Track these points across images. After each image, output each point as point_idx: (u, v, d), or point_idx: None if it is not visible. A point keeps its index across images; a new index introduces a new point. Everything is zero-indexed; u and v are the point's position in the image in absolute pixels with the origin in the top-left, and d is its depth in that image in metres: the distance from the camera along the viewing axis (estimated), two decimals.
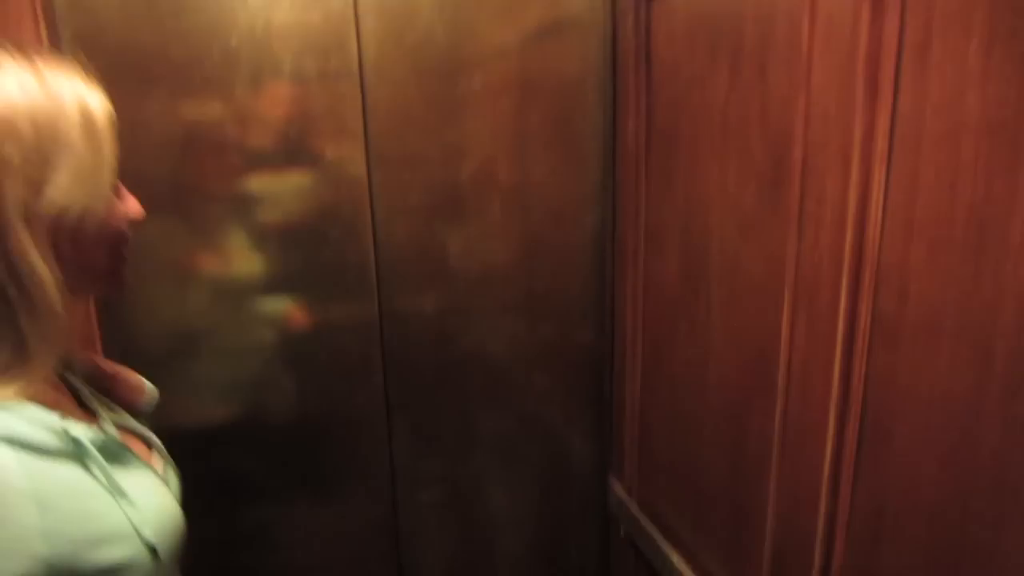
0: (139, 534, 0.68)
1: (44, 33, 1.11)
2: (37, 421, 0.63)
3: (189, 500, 1.36)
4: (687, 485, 1.28)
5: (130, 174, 1.19)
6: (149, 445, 0.84)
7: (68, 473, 0.65)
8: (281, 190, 1.30)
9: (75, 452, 0.66)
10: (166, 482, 0.82)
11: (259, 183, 1.29)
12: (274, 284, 1.33)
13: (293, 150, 1.29)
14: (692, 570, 1.27)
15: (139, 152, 1.22)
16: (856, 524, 0.89)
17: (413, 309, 1.42)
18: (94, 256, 0.70)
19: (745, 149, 1.07)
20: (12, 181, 0.61)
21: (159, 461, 0.84)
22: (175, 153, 1.24)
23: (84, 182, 0.66)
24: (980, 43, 0.71)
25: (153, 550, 0.69)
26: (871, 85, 0.83)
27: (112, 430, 0.77)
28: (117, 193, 0.74)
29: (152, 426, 0.89)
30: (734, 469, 1.14)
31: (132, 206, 0.76)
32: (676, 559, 1.29)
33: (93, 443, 0.68)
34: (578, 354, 1.54)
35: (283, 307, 1.36)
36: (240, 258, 1.31)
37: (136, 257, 1.23)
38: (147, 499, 0.72)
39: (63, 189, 0.64)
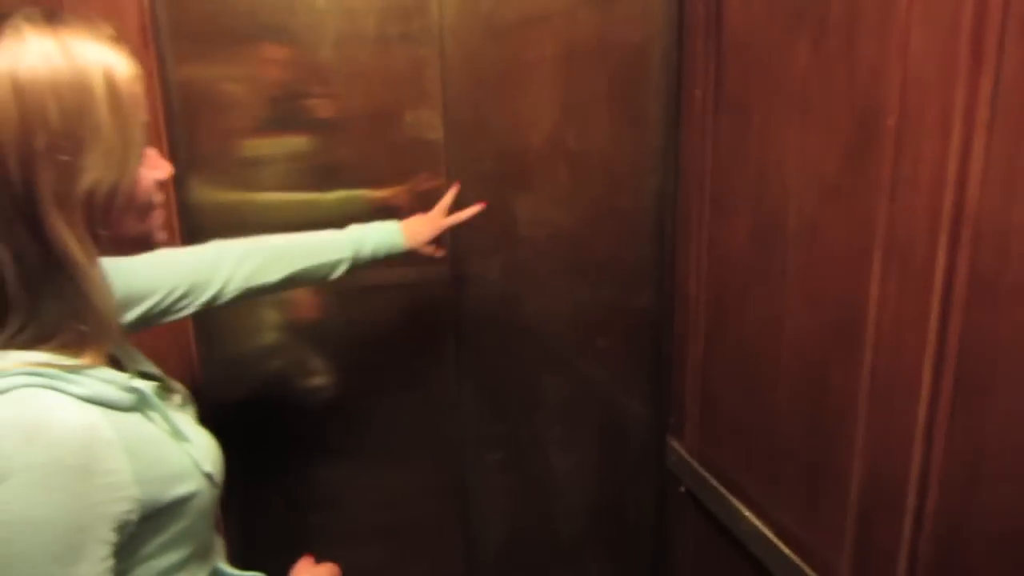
0: (199, 468, 0.76)
1: None
2: (112, 381, 0.70)
3: (262, 461, 1.42)
4: (757, 441, 1.34)
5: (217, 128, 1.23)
6: (176, 393, 0.89)
7: (139, 424, 0.72)
8: (362, 155, 1.32)
9: (140, 404, 0.73)
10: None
11: (338, 138, 1.31)
12: None
13: (375, 113, 1.31)
14: (762, 522, 1.33)
15: (225, 107, 1.25)
16: (952, 468, 0.95)
17: (482, 273, 1.46)
18: (126, 224, 0.71)
19: (828, 117, 1.10)
20: (44, 170, 0.62)
21: (189, 407, 0.90)
22: (254, 116, 1.26)
23: (113, 160, 0.66)
24: None
25: (210, 478, 0.78)
26: (975, 51, 0.87)
27: (162, 384, 0.83)
28: (145, 159, 0.72)
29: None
30: (812, 424, 1.20)
31: (160, 167, 0.75)
32: (746, 511, 1.36)
33: (153, 393, 0.75)
34: (637, 317, 1.59)
35: (357, 274, 1.39)
36: (317, 218, 1.33)
37: (214, 223, 1.28)
38: (196, 436, 0.80)
39: (93, 170, 0.65)
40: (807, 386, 1.20)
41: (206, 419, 1.28)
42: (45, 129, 0.62)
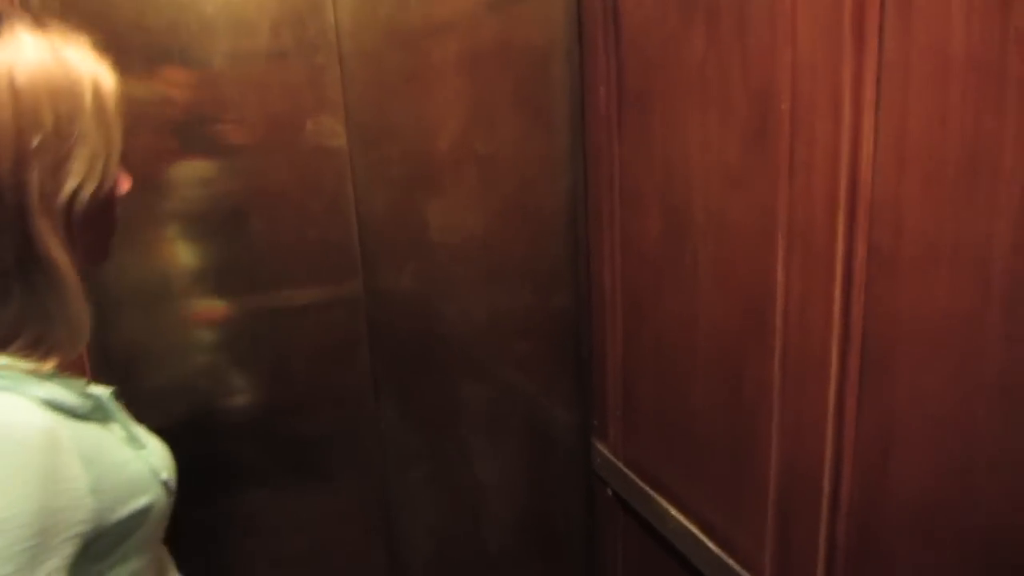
0: (157, 476, 0.75)
1: None
2: (71, 387, 0.69)
3: (181, 487, 1.33)
4: (679, 439, 1.33)
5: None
6: None
7: (96, 431, 0.70)
8: (263, 164, 1.26)
9: (96, 412, 0.71)
10: None
11: (240, 157, 1.25)
12: (258, 261, 1.30)
13: (273, 122, 1.25)
14: (688, 519, 1.32)
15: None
16: (863, 447, 0.95)
17: (395, 282, 1.41)
18: (95, 233, 0.72)
19: (727, 105, 1.11)
20: (34, 170, 0.63)
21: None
22: (150, 126, 1.19)
23: (96, 166, 0.67)
24: None
25: (166, 486, 0.76)
26: (857, 33, 0.88)
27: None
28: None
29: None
30: (729, 415, 1.19)
31: (125, 179, 0.77)
32: (673, 510, 1.34)
33: (108, 399, 0.75)
34: (555, 319, 1.56)
35: (267, 285, 1.32)
36: (221, 235, 1.27)
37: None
38: (152, 443, 0.79)
39: (78, 175, 0.66)
40: (723, 378, 1.20)
41: None
42: (39, 129, 0.62)
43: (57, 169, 0.64)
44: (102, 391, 0.74)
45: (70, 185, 0.65)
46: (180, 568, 1.32)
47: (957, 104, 0.79)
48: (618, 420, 1.52)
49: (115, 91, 0.71)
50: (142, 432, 0.79)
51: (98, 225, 0.72)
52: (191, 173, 1.24)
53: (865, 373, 0.94)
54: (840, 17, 0.89)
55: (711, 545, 1.24)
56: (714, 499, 1.26)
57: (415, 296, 1.43)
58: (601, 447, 1.58)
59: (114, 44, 1.09)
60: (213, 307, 1.29)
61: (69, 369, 1.13)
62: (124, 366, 1.26)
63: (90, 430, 0.69)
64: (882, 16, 0.86)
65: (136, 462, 0.72)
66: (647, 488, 1.42)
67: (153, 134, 1.19)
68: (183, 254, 1.26)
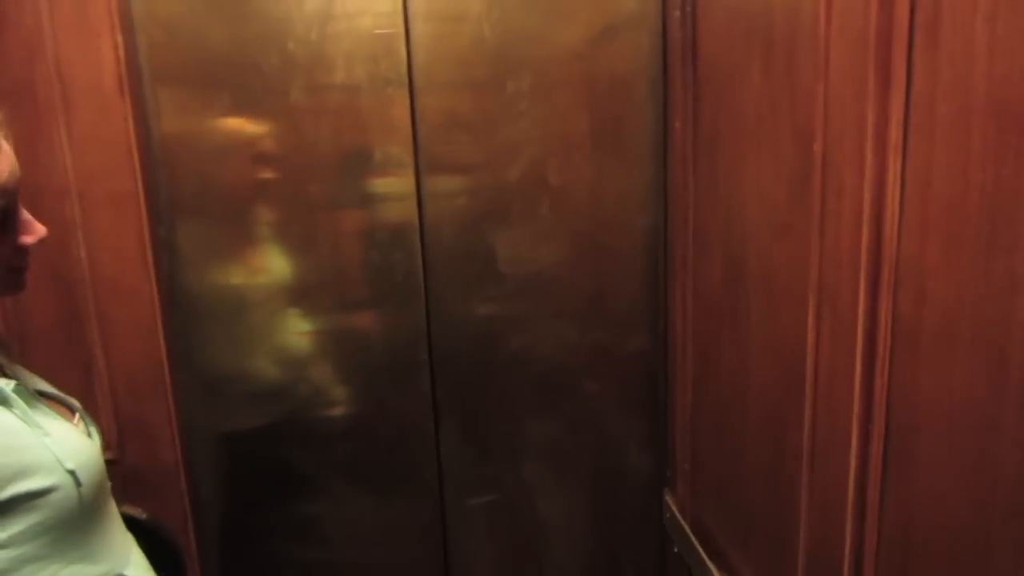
0: (61, 464, 0.80)
1: (120, 39, 1.23)
2: None
3: (247, 490, 1.46)
4: (734, 502, 1.22)
5: (199, 174, 1.32)
6: (72, 410, 0.94)
7: None
8: (332, 194, 1.36)
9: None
10: (88, 435, 0.92)
11: (312, 188, 1.36)
12: (325, 287, 1.40)
13: (344, 154, 1.35)
14: None
15: (206, 154, 1.33)
16: (885, 546, 0.81)
17: (460, 311, 1.44)
18: None
19: (777, 145, 1.00)
20: None
21: (80, 422, 0.93)
22: (232, 156, 1.33)
23: None
24: (986, 11, 0.64)
25: (73, 476, 0.80)
26: (883, 69, 0.76)
27: (27, 387, 0.87)
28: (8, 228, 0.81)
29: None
30: (772, 485, 1.07)
31: (30, 232, 0.83)
32: None
33: (12, 390, 0.81)
34: (631, 361, 1.50)
35: (333, 310, 1.42)
36: (292, 262, 1.38)
37: (197, 260, 1.36)
38: (66, 437, 0.84)
39: None
40: (768, 441, 1.08)
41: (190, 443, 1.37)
42: None
43: None
44: (5, 383, 0.80)
45: None
46: (236, 564, 1.44)
47: (978, 153, 0.66)
48: (686, 474, 1.41)
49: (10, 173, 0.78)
50: (55, 424, 0.84)
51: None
52: (269, 197, 1.36)
53: (889, 461, 0.80)
54: (866, 47, 0.78)
55: None
56: (759, 572, 1.13)
57: (482, 325, 1.45)
58: (670, 500, 1.48)
59: (207, 81, 1.28)
60: (286, 324, 1.41)
61: (137, 371, 1.30)
62: (203, 375, 1.40)
63: None
64: (910, 48, 0.74)
65: (37, 447, 0.79)
66: (701, 550, 1.31)
67: (237, 164, 1.33)
68: (257, 276, 1.38)
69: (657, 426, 1.52)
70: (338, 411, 1.45)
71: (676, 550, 1.46)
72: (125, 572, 0.91)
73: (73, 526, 0.84)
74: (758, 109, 1.05)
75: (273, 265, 1.38)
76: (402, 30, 1.32)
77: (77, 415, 0.93)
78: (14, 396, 0.81)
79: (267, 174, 1.35)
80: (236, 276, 1.39)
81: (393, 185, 1.38)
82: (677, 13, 1.28)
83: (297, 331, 1.42)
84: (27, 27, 1.20)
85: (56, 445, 0.81)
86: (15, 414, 0.80)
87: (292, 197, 1.37)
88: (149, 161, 1.30)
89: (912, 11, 0.73)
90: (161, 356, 1.33)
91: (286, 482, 1.46)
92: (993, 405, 0.65)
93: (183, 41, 1.28)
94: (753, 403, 1.12)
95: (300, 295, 1.40)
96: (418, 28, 1.33)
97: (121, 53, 1.22)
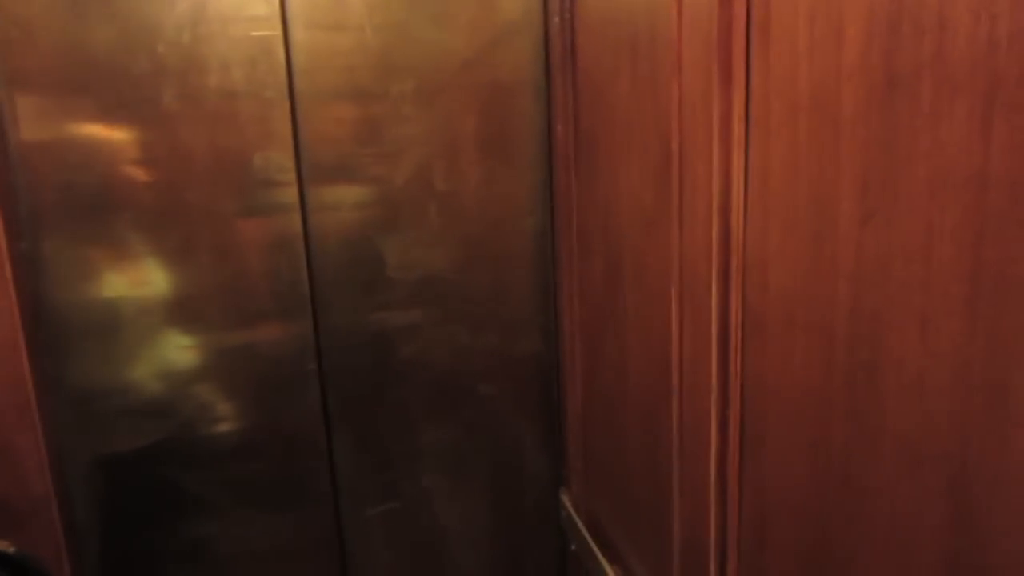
0: None
1: None
2: None
3: (128, 514, 1.39)
4: (622, 496, 1.24)
5: (63, 184, 1.25)
6: None
7: None
8: (210, 203, 1.32)
9: None
10: None
11: (187, 196, 1.31)
12: (207, 300, 1.35)
13: (221, 161, 1.31)
14: None
15: (71, 162, 1.27)
16: (747, 525, 0.84)
17: (350, 319, 1.41)
18: None
19: (644, 145, 1.03)
20: None
21: None
22: (100, 165, 1.27)
23: None
24: (807, 12, 0.67)
25: None
26: (725, 67, 0.79)
27: None
28: None
29: None
30: (652, 477, 1.09)
31: None
32: (610, 572, 1.24)
33: None
34: (525, 363, 1.51)
35: (216, 324, 1.37)
36: (171, 273, 1.33)
37: (66, 275, 1.29)
38: None
39: None
40: (646, 434, 1.10)
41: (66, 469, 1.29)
42: None
43: None
44: None
45: None
46: None
47: (804, 146, 0.69)
48: (579, 472, 1.43)
49: None
50: None
51: None
52: (140, 207, 1.31)
53: (745, 442, 0.83)
54: (710, 44, 0.81)
55: None
56: (645, 562, 1.15)
57: (372, 333, 1.43)
58: (565, 499, 1.50)
59: (70, 83, 1.23)
60: (163, 338, 1.35)
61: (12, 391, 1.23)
62: (76, 394, 1.33)
63: None
64: (748, 44, 0.77)
65: None
66: (593, 545, 1.33)
67: (104, 172, 1.28)
68: (133, 289, 1.33)
69: (552, 427, 1.53)
70: (225, 427, 1.40)
71: (573, 547, 1.47)
72: None
73: None
74: (628, 112, 1.08)
75: (150, 278, 1.33)
76: (280, 33, 1.30)
77: None
78: None
79: (139, 184, 1.29)
80: (110, 290, 1.33)
81: (276, 193, 1.34)
82: (556, 19, 1.31)
83: (178, 346, 1.37)
84: None
85: None
86: None
87: (168, 208, 1.31)
88: (5, 171, 1.23)
89: (748, 10, 0.76)
90: (25, 377, 1.25)
91: (171, 505, 1.39)
92: (824, 383, 0.69)
93: (42, 41, 1.22)
94: (632, 397, 1.14)
95: (180, 308, 1.35)
96: (298, 29, 1.31)
97: None
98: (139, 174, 1.30)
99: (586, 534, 1.37)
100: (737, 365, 0.83)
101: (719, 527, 0.88)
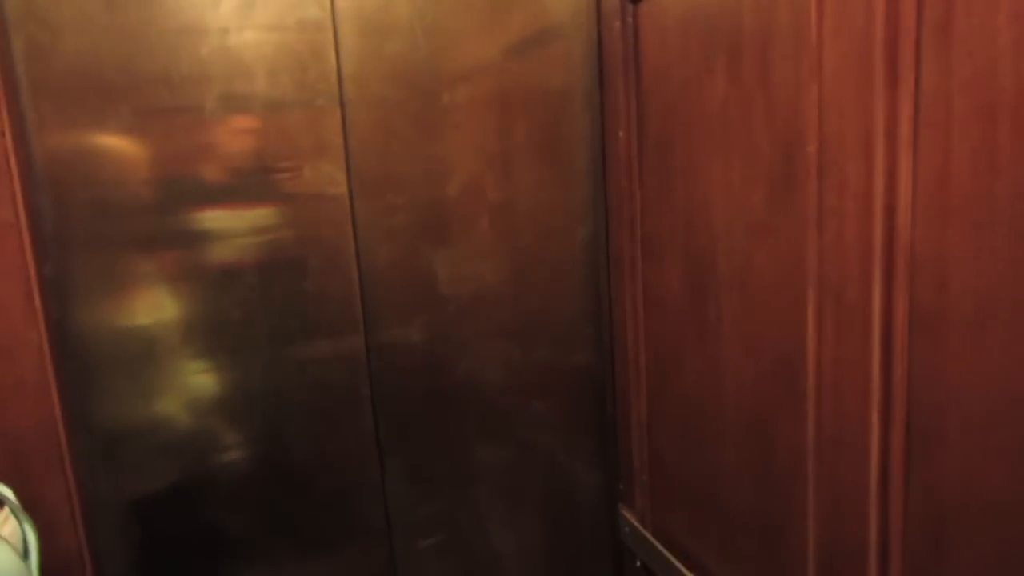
0: None
1: None
2: None
3: (167, 564, 1.26)
4: (709, 509, 1.21)
5: (92, 201, 1.12)
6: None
7: None
8: (258, 215, 1.21)
9: None
10: (23, 537, 0.76)
11: (234, 210, 1.20)
12: (250, 324, 1.24)
13: (267, 171, 1.21)
14: None
15: (101, 177, 1.14)
16: (913, 533, 0.83)
17: (401, 338, 1.34)
18: None
19: (750, 148, 1.02)
20: None
21: (9, 518, 0.76)
22: (132, 179, 1.15)
23: None
24: (1008, 9, 0.68)
25: None
26: (890, 68, 0.79)
27: None
28: None
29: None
30: (762, 487, 1.07)
31: None
32: None
33: None
34: (577, 376, 1.47)
35: (261, 349, 1.26)
36: (210, 297, 1.22)
37: (93, 300, 1.16)
38: None
39: None
40: (753, 443, 1.08)
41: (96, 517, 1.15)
42: None
43: None
44: None
45: None
46: None
47: (1006, 144, 0.69)
48: (644, 486, 1.40)
49: None
50: None
51: None
52: (180, 225, 1.19)
53: (913, 447, 0.82)
54: (871, 48, 0.81)
55: None
56: (747, 574, 1.13)
57: (424, 352, 1.36)
58: (628, 515, 1.46)
59: (100, 90, 1.10)
60: (203, 367, 1.23)
61: (25, 437, 1.08)
62: (104, 433, 1.20)
63: None
64: (918, 48, 0.77)
65: None
66: (675, 561, 1.30)
67: (141, 187, 1.16)
68: (171, 311, 1.21)
69: (606, 441, 1.49)
70: (270, 462, 1.29)
71: (638, 564, 1.44)
72: None
73: None
74: (724, 115, 1.07)
75: (187, 302, 1.21)
76: (331, 37, 1.22)
77: (5, 509, 0.74)
78: None
79: (175, 198, 1.18)
80: (142, 317, 1.20)
81: (327, 207, 1.25)
82: (617, 24, 1.28)
83: (217, 378, 1.25)
84: None
85: None
86: None
87: (208, 223, 1.20)
88: (30, 187, 1.09)
89: (919, 12, 0.76)
90: (55, 418, 1.12)
91: (213, 549, 1.27)
92: None
93: (71, 44, 1.09)
94: (730, 404, 1.13)
95: (220, 335, 1.23)
96: (347, 33, 1.23)
97: None
98: (175, 188, 1.18)
99: (661, 548, 1.34)
100: (903, 366, 0.82)
101: (880, 528, 0.87)
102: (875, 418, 0.85)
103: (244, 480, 1.27)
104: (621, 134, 1.32)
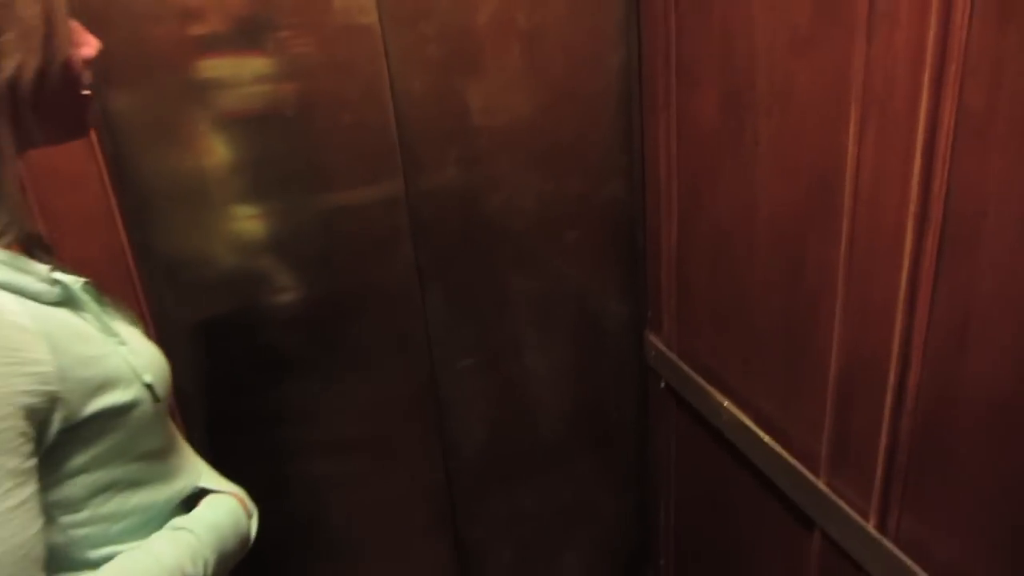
0: (139, 376, 0.69)
1: None
2: (29, 271, 0.63)
3: (230, 378, 1.35)
4: (735, 329, 1.27)
5: (133, 40, 1.11)
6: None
7: (66, 317, 0.65)
8: (294, 54, 1.20)
9: (66, 299, 0.66)
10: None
11: (269, 47, 1.19)
12: (298, 153, 1.25)
13: (299, 3, 1.18)
14: (742, 411, 1.27)
15: (141, 10, 1.12)
16: (936, 337, 0.87)
17: (436, 170, 1.35)
18: (56, 110, 0.67)
19: None
20: None
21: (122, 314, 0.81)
22: (178, 19, 1.13)
23: (33, 44, 0.62)
24: None
25: (151, 390, 0.71)
26: None
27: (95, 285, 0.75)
28: (73, 40, 0.67)
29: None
30: (789, 302, 1.11)
31: (87, 45, 0.69)
32: (726, 402, 1.29)
33: (80, 289, 0.68)
34: (607, 207, 1.49)
35: (304, 183, 1.29)
36: (259, 132, 1.22)
37: (147, 138, 1.17)
38: (138, 343, 0.73)
39: (13, 57, 0.61)
40: (784, 265, 1.11)
41: (166, 336, 1.22)
42: None
43: None
44: (72, 280, 0.67)
45: (8, 66, 0.61)
46: (230, 455, 1.35)
47: None
48: (672, 312, 1.45)
49: None
50: (124, 329, 0.73)
51: (63, 101, 0.67)
52: (216, 64, 1.18)
53: (944, 253, 0.85)
54: None
55: (765, 438, 1.20)
56: (770, 390, 1.20)
57: (457, 184, 1.37)
58: (655, 339, 1.53)
59: None
60: (252, 201, 1.27)
61: (97, 263, 1.13)
62: (166, 261, 1.25)
63: (59, 315, 0.64)
64: None
65: (115, 356, 0.67)
66: (701, 380, 1.37)
67: (183, 27, 1.14)
68: (219, 150, 1.22)
69: (635, 270, 1.53)
70: (319, 290, 1.35)
71: (663, 385, 1.52)
72: (199, 484, 0.81)
73: (151, 445, 0.74)
74: None
75: (234, 140, 1.22)
76: None
77: (124, 314, 0.79)
78: (84, 297, 0.68)
79: (214, 36, 1.16)
80: (190, 154, 1.22)
81: (358, 38, 1.23)
82: None
83: (267, 209, 1.28)
84: None
85: (132, 355, 0.70)
86: (85, 319, 0.67)
87: (245, 61, 1.19)
88: None
89: None
90: (122, 246, 1.17)
91: (272, 367, 1.36)
92: None
93: None
94: (762, 228, 1.14)
95: (266, 170, 1.25)
96: None
97: None
98: (213, 25, 1.16)
99: (687, 368, 1.41)
100: (944, 172, 0.82)
101: (903, 333, 0.91)
102: (910, 227, 0.87)
103: (297, 306, 1.34)
104: None
